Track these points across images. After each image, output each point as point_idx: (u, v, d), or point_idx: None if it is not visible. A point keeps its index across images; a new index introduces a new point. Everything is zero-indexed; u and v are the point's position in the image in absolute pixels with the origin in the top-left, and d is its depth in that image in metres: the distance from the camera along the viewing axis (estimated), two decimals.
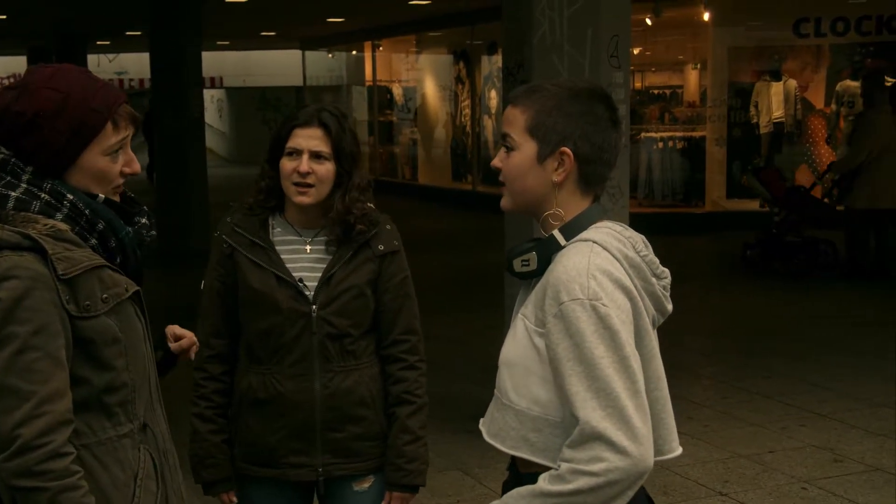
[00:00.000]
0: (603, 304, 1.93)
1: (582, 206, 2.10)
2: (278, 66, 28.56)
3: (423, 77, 20.64)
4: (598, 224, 2.10)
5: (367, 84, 22.52)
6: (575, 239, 2.06)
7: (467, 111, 18.45)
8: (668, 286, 2.15)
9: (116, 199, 2.14)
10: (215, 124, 30.86)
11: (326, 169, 2.72)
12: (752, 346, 7.96)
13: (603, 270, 1.97)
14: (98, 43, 22.99)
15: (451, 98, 19.15)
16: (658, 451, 2.08)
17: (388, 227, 2.86)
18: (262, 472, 2.86)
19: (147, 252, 2.21)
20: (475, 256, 12.27)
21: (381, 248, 2.82)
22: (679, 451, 2.15)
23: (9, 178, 2.03)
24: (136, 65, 27.50)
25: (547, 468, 1.98)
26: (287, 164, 2.72)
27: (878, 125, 9.70)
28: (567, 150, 2.06)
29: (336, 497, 2.89)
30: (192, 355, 2.48)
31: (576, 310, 1.93)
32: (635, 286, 2.03)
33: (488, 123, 17.90)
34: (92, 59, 23.98)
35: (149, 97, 13.35)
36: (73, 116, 2.01)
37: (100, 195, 2.09)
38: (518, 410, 2.07)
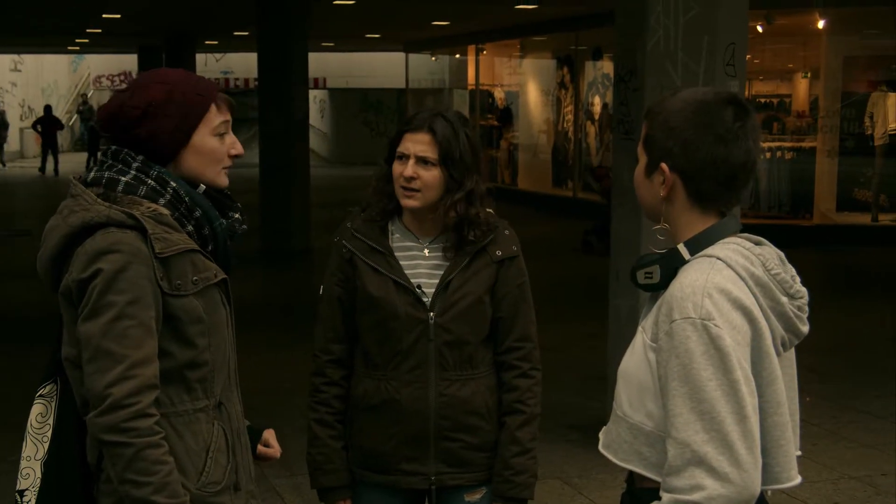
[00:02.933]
0: (715, 325, 1.88)
1: (704, 221, 2.05)
2: (381, 67, 28.80)
3: (525, 81, 20.59)
4: (728, 239, 2.03)
5: (470, 87, 22.54)
6: (699, 254, 2.01)
7: (570, 117, 18.33)
8: (805, 306, 2.06)
9: (226, 181, 2.34)
10: (317, 125, 31.25)
11: (432, 175, 2.69)
12: (863, 363, 7.73)
13: (720, 289, 1.91)
14: (206, 42, 23.45)
15: (554, 103, 19.05)
16: (775, 479, 2.02)
17: (507, 232, 2.83)
18: (374, 478, 2.84)
19: (239, 243, 2.38)
20: (575, 264, 12.17)
21: (498, 253, 2.78)
22: (798, 479, 2.06)
23: (120, 166, 2.22)
24: (241, 64, 28.05)
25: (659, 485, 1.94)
26: (396, 168, 2.72)
27: None
28: (664, 165, 2.02)
29: None
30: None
31: (686, 329, 1.89)
32: (760, 306, 1.96)
33: (591, 130, 17.77)
34: (200, 58, 24.47)
35: (254, 97, 13.49)
36: (181, 102, 2.22)
37: (201, 185, 2.27)
38: (632, 424, 2.04)
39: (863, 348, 8.24)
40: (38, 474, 2.21)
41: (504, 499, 2.81)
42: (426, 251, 2.78)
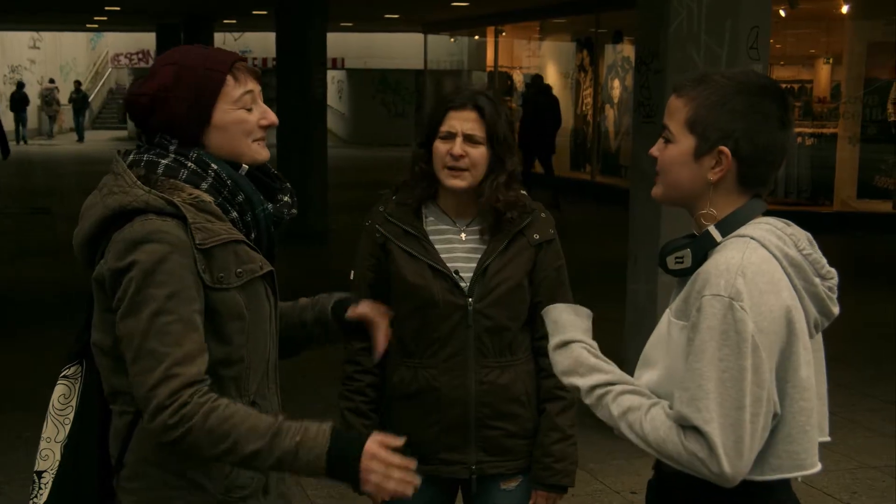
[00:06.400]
0: (741, 307, 1.85)
1: (736, 203, 2.02)
2: (400, 48, 28.69)
3: (544, 64, 20.49)
4: (759, 220, 2.01)
5: (489, 70, 22.46)
6: (732, 234, 1.98)
7: (589, 100, 18.26)
8: (835, 287, 2.04)
9: (265, 153, 2.17)
10: (335, 105, 31.20)
11: (480, 153, 2.64)
12: (883, 352, 7.67)
13: (755, 269, 1.89)
14: (224, 21, 23.40)
15: (573, 86, 18.97)
16: (800, 465, 1.99)
17: (543, 215, 2.77)
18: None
19: (282, 231, 2.23)
20: (592, 247, 12.12)
21: (536, 236, 2.73)
22: (819, 467, 2.04)
23: (158, 149, 2.10)
24: (260, 44, 27.98)
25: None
26: (440, 147, 2.65)
27: None
28: (725, 149, 1.97)
29: (484, 495, 2.80)
30: (377, 355, 2.45)
31: (714, 305, 1.87)
32: (795, 287, 1.94)
33: (610, 113, 17.70)
34: (218, 37, 24.44)
35: (272, 77, 13.43)
36: (191, 82, 2.08)
37: (244, 166, 2.14)
38: None
39: (883, 337, 8.17)
40: (58, 457, 2.13)
41: (545, 486, 2.77)
42: (463, 235, 2.72)
